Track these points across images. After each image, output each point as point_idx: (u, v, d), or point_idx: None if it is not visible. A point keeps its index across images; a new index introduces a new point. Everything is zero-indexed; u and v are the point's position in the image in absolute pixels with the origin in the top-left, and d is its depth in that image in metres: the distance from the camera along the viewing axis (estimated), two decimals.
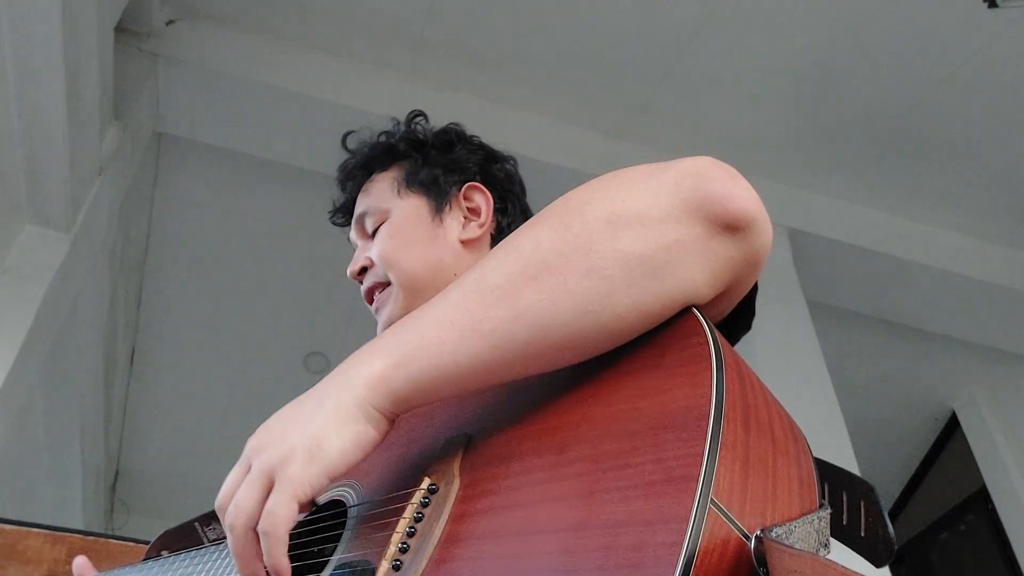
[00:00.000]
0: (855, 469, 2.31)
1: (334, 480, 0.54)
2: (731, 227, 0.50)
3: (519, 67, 2.63)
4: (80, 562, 0.88)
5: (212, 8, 2.49)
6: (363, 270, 0.92)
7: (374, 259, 0.90)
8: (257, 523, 0.52)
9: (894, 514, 3.94)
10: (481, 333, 0.51)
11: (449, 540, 0.50)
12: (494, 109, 2.70)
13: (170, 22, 2.45)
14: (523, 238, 0.54)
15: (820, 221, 2.90)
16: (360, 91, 2.56)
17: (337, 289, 3.10)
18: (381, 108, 2.53)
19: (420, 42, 2.57)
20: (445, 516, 0.52)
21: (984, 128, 2.69)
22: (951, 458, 3.70)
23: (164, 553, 0.90)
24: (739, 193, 0.50)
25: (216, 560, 0.73)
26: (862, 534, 0.48)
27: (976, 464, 3.39)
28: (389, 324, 0.87)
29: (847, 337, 3.21)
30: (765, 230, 0.51)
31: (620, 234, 0.49)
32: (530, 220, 0.56)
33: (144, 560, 0.89)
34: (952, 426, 3.65)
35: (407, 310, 0.85)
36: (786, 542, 0.39)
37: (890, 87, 2.59)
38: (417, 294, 0.86)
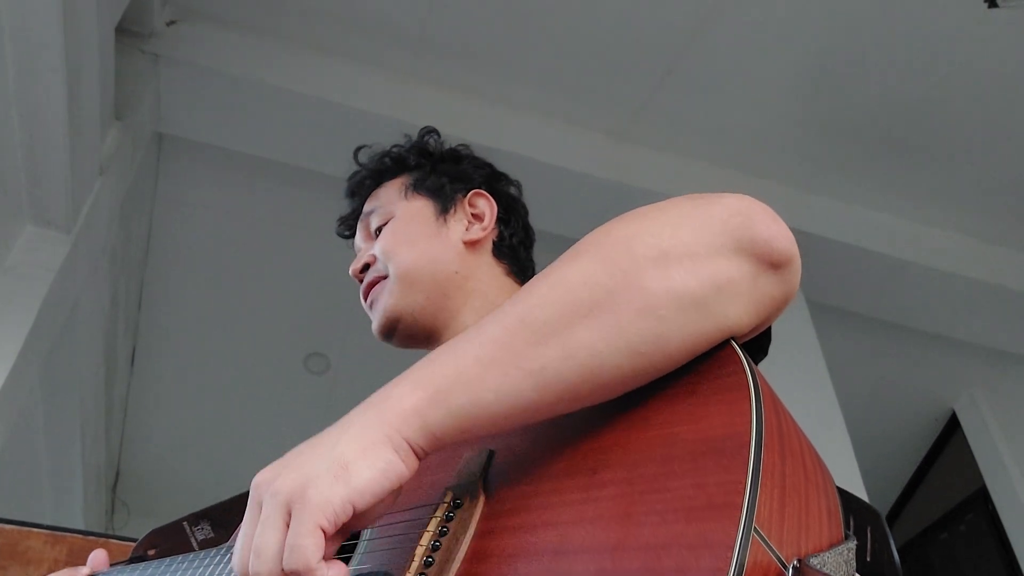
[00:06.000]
0: (855, 469, 2.31)
1: (359, 513, 0.48)
2: (775, 265, 0.51)
3: (519, 67, 2.63)
4: (97, 554, 0.87)
5: (213, 9, 2.49)
6: (365, 267, 0.93)
7: (376, 254, 0.92)
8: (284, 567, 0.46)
9: (894, 514, 3.94)
10: (528, 371, 0.48)
11: (475, 556, 0.50)
12: (494, 109, 2.70)
13: (171, 23, 2.45)
14: (568, 272, 0.51)
15: (820, 221, 2.90)
16: (360, 91, 2.56)
17: (337, 289, 3.10)
18: (381, 108, 2.53)
19: (420, 42, 2.57)
20: (471, 532, 0.52)
21: (984, 128, 2.68)
22: (951, 458, 3.69)
23: (151, 553, 0.90)
24: (783, 234, 0.51)
25: (208, 568, 0.72)
26: (868, 559, 0.49)
27: (976, 464, 3.39)
28: (384, 318, 0.88)
29: (847, 337, 3.21)
30: (799, 269, 0.53)
31: (672, 272, 0.48)
32: (569, 253, 0.53)
33: (130, 561, 0.89)
34: (952, 426, 3.64)
35: (402, 302, 0.87)
36: (824, 571, 0.40)
37: (890, 87, 2.59)
38: (413, 287, 0.87)
